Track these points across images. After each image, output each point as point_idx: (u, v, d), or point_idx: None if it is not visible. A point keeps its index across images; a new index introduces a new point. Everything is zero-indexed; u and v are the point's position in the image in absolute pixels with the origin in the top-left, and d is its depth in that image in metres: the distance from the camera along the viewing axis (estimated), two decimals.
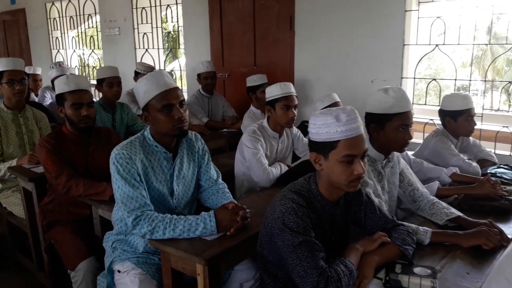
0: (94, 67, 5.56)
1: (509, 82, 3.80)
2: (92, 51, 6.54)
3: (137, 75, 4.41)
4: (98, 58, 6.47)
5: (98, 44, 6.36)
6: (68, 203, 2.36)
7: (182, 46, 5.22)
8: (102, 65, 6.22)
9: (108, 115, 3.37)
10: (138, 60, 5.69)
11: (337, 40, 3.72)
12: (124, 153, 1.73)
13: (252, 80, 3.66)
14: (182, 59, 5.40)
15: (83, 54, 6.84)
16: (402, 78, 3.43)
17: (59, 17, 6.85)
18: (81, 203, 2.32)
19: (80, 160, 2.35)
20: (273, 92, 2.47)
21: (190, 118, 3.82)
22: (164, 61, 5.73)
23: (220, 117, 4.17)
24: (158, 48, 5.46)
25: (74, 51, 6.86)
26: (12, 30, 7.93)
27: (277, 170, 2.37)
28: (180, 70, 5.51)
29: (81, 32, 6.77)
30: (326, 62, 3.83)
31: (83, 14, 6.39)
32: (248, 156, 2.41)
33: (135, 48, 5.67)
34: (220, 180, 2.04)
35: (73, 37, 6.83)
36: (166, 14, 5.26)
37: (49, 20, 7.08)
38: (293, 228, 1.33)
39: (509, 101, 11.37)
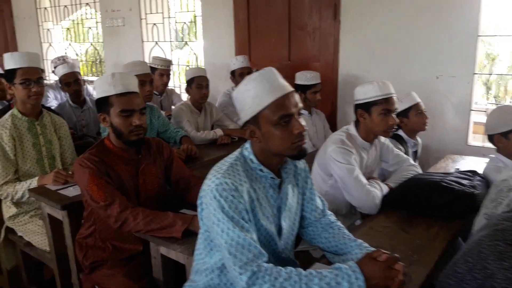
0: (93, 61, 4.88)
1: None
2: (91, 44, 5.91)
3: (153, 71, 3.87)
4: (98, 52, 5.84)
5: (98, 36, 5.74)
6: (114, 237, 1.86)
7: (198, 39, 4.68)
8: (103, 59, 5.62)
9: None
10: (146, 54, 5.13)
11: (393, 31, 3.28)
12: (228, 182, 1.25)
13: (304, 78, 3.19)
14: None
15: (80, 48, 6.19)
16: (474, 74, 3.02)
17: (51, 6, 6.19)
18: (130, 237, 1.84)
19: (130, 182, 1.86)
20: (368, 92, 2.01)
21: (225, 122, 3.34)
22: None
23: None
24: (170, 41, 4.91)
25: (70, 44, 6.22)
26: None
27: (379, 192, 1.91)
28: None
29: (77, 24, 6.13)
30: (378, 56, 3.39)
31: (80, 4, 5.76)
32: (340, 174, 1.95)
33: (143, 41, 5.10)
34: (327, 210, 1.59)
35: (67, 28, 6.18)
36: (181, 2, 4.70)
37: (38, 10, 6.40)
38: None
39: None
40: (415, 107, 2.61)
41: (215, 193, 1.24)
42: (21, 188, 2.21)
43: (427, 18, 3.10)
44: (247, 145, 1.39)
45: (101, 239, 1.87)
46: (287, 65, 3.93)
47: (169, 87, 4.13)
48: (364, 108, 2.04)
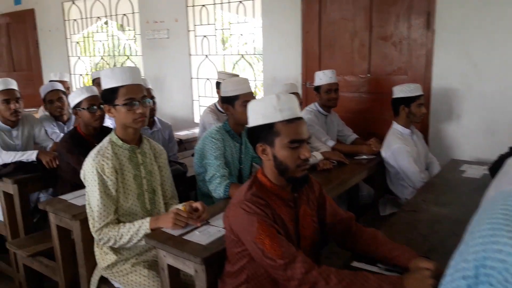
0: None
1: None
2: (128, 58, 5.54)
3: (220, 87, 3.51)
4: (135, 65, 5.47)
5: (135, 50, 5.37)
6: None
7: (256, 51, 4.33)
8: (143, 74, 5.25)
9: (236, 145, 2.47)
10: (194, 69, 4.77)
11: (499, 42, 2.96)
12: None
13: (407, 90, 2.83)
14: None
15: (115, 62, 5.80)
16: None
17: (82, 18, 5.83)
18: None
19: (292, 229, 1.49)
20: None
21: (315, 143, 2.98)
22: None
23: (335, 139, 3.33)
24: (224, 54, 4.55)
25: (102, 58, 5.84)
26: (17, 35, 6.80)
27: None
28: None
29: (111, 36, 5.77)
30: (482, 69, 3.05)
31: (116, 15, 5.41)
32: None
33: (190, 54, 4.74)
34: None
35: (100, 41, 5.82)
36: (238, 12, 4.36)
37: (67, 22, 6.03)
38: None
39: None
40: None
41: None
42: (128, 231, 1.82)
43: None
44: None
45: None
46: (366, 79, 3.59)
47: None
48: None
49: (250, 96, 2.39)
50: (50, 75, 4.25)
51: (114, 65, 5.82)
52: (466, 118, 3.17)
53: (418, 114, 2.86)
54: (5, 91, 2.83)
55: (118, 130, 1.93)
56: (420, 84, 3.27)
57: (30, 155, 2.75)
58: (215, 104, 3.63)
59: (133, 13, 5.22)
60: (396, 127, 2.93)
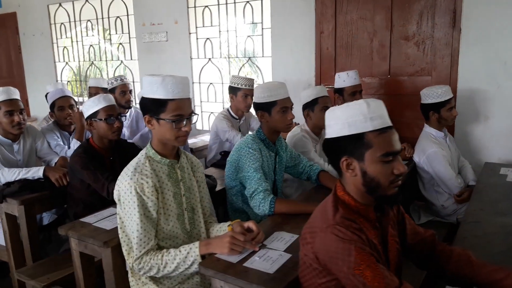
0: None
1: None
2: (121, 62, 5.24)
3: (234, 92, 3.31)
4: (130, 71, 5.16)
5: (130, 53, 5.08)
6: None
7: (265, 53, 4.14)
8: (138, 79, 4.96)
9: (271, 154, 2.26)
10: (196, 73, 4.53)
11: None
12: None
13: (436, 95, 2.68)
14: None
15: (117, 65, 5.47)
16: None
17: (70, 22, 5.49)
18: None
19: (382, 254, 1.30)
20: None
21: None
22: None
23: None
24: (228, 57, 4.33)
25: (92, 63, 5.51)
26: None
27: None
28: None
29: (101, 40, 5.46)
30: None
31: (108, 17, 5.11)
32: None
33: (191, 58, 4.49)
34: None
35: (90, 45, 5.49)
36: (244, 12, 4.14)
37: (54, 26, 5.68)
38: None
39: None
40: None
41: None
42: (173, 258, 1.59)
43: None
44: None
45: None
46: (386, 81, 3.44)
47: None
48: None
49: (288, 101, 2.19)
50: (46, 87, 3.89)
51: (103, 71, 5.51)
52: (495, 120, 3.06)
53: (450, 118, 2.73)
54: (8, 102, 2.53)
55: (156, 144, 1.69)
56: (445, 84, 3.16)
57: (36, 172, 2.46)
58: (228, 110, 3.42)
59: (127, 15, 4.93)
60: (429, 130, 2.78)
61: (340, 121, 1.26)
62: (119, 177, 1.66)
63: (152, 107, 1.62)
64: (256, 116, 3.61)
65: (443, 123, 2.75)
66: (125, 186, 1.60)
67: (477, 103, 3.10)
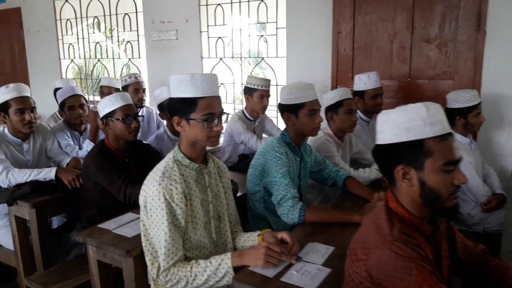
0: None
1: None
2: (129, 60, 5.12)
3: (250, 93, 3.21)
4: (137, 69, 5.05)
5: (138, 51, 4.96)
6: None
7: (279, 54, 4.04)
8: (146, 78, 4.86)
9: (296, 159, 2.16)
10: (206, 72, 4.43)
11: None
12: None
13: (463, 100, 2.59)
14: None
15: (124, 63, 5.36)
16: None
17: (76, 18, 5.37)
18: None
19: (438, 272, 1.19)
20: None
21: (367, 154, 2.71)
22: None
23: None
24: (241, 57, 4.22)
25: (98, 60, 5.39)
26: (1, 36, 6.24)
27: None
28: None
29: (108, 37, 5.34)
30: None
31: (116, 14, 4.99)
32: None
33: (202, 57, 4.39)
34: None
35: (96, 42, 5.37)
36: (258, 11, 4.03)
37: (59, 22, 5.56)
38: None
39: None
40: None
41: None
42: (203, 270, 1.48)
43: None
44: None
45: None
46: (406, 84, 3.35)
47: None
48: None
49: (316, 104, 2.09)
50: (55, 82, 3.79)
51: (113, 70, 5.40)
52: None
53: (477, 124, 2.63)
54: (19, 99, 2.41)
55: (184, 147, 1.59)
56: (468, 89, 3.06)
57: (48, 173, 2.35)
58: (242, 111, 3.31)
59: (136, 12, 4.82)
60: (455, 136, 2.68)
61: (396, 125, 1.16)
62: (145, 182, 1.55)
63: (181, 108, 1.52)
64: (270, 118, 3.50)
65: (469, 128, 2.66)
66: (153, 192, 1.49)
67: (501, 108, 3.01)
